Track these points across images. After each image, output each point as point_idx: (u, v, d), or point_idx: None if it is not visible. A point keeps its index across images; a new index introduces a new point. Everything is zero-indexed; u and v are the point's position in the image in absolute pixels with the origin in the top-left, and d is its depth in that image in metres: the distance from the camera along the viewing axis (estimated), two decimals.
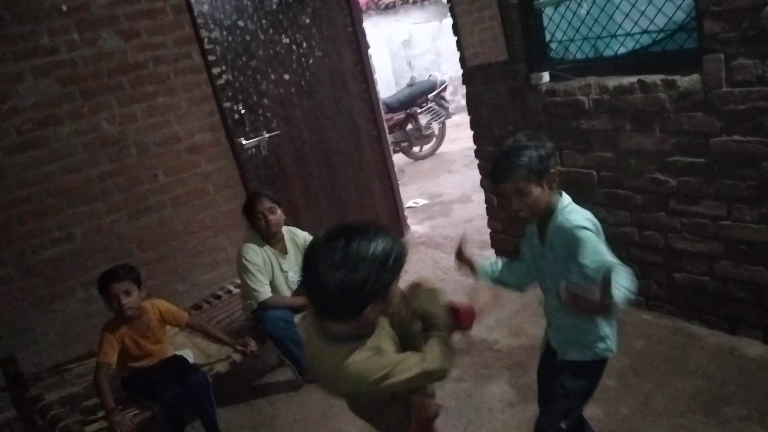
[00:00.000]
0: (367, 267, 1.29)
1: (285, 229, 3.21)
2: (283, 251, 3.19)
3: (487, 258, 2.09)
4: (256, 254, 3.07)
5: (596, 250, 1.67)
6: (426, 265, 4.37)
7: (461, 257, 2.00)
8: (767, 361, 2.58)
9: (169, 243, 3.77)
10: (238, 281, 3.34)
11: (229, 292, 3.68)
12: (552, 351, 1.98)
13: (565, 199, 1.80)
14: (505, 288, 2.03)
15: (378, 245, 1.31)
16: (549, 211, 1.79)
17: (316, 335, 1.46)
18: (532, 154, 1.71)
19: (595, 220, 1.75)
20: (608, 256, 1.67)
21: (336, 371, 1.40)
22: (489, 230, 4.05)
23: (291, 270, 3.20)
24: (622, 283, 1.60)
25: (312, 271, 1.32)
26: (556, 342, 1.97)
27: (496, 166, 1.77)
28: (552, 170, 1.74)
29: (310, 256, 1.35)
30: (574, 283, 1.65)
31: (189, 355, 2.95)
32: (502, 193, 1.76)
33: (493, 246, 4.08)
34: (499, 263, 2.03)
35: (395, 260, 1.34)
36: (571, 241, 1.70)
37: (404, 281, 1.51)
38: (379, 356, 1.42)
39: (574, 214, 1.75)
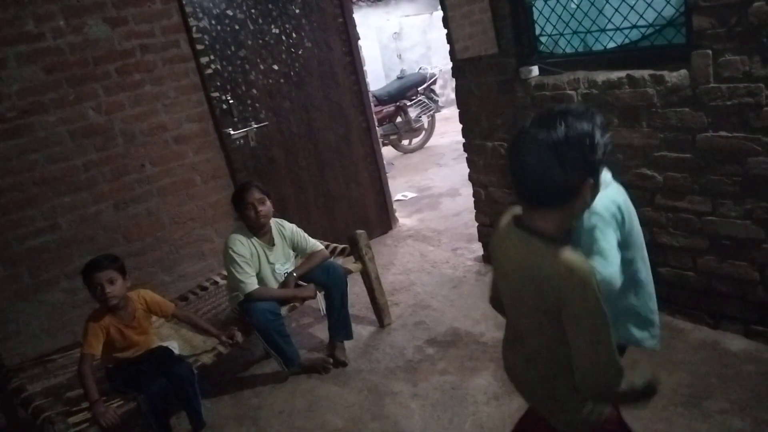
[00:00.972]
0: (580, 141, 1.28)
1: (272, 221, 3.20)
2: (270, 243, 3.17)
3: None
4: (243, 246, 3.05)
5: (590, 242, 1.64)
6: (414, 258, 4.38)
7: None
8: (749, 356, 2.61)
9: (155, 234, 3.74)
10: (225, 273, 3.33)
11: (216, 283, 3.67)
12: None
13: (607, 174, 1.67)
14: None
15: (586, 120, 1.31)
16: None
17: (516, 232, 1.42)
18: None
19: (621, 203, 1.67)
20: (599, 254, 1.63)
21: (547, 258, 1.34)
22: (477, 224, 4.06)
23: (278, 262, 3.19)
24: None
25: (525, 160, 1.30)
26: None
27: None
28: None
29: (520, 146, 1.32)
30: None
31: (174, 347, 2.94)
32: None
33: (480, 239, 4.09)
34: None
35: (603, 133, 1.32)
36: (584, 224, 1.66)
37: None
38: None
39: (603, 194, 1.59)
